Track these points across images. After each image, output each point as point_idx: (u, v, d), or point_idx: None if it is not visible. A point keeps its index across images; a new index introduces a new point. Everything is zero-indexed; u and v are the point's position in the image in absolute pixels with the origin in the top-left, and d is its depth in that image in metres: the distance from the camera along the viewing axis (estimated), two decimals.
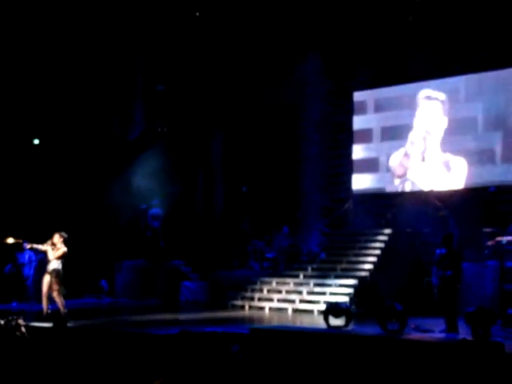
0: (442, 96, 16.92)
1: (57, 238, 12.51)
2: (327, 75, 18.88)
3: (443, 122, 16.86)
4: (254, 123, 20.00)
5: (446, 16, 16.48)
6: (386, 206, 18.00)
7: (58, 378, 7.40)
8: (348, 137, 18.66)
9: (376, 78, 18.11)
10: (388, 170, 17.72)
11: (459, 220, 15.81)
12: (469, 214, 15.83)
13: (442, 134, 16.86)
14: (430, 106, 17.10)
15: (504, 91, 15.96)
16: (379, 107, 17.94)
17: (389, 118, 17.79)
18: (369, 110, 18.19)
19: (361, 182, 18.22)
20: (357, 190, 18.27)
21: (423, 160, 17.07)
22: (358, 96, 18.47)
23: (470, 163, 16.35)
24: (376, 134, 18.01)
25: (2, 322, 9.05)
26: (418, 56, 16.87)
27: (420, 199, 17.02)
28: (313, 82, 19.09)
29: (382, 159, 17.83)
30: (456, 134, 16.54)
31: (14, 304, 16.47)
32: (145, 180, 18.77)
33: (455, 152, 16.54)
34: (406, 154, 17.40)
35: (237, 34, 18.83)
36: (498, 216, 15.27)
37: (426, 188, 17.09)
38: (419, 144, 17.18)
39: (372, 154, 18.06)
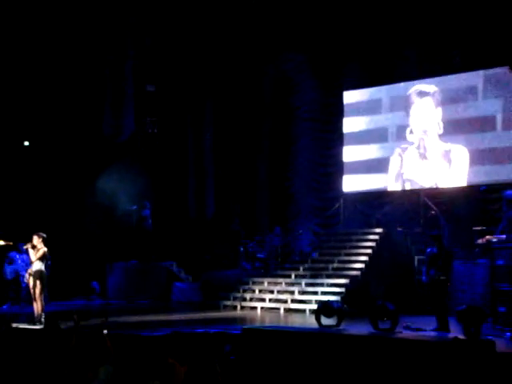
0: (433, 88, 16.85)
1: (36, 240, 12.43)
2: (317, 74, 18.88)
3: (438, 115, 16.77)
4: (245, 123, 20.01)
5: (436, 13, 16.54)
6: (376, 205, 17.99)
7: (48, 379, 7.37)
8: (339, 137, 18.62)
9: (367, 77, 18.09)
10: (387, 170, 17.54)
11: (450, 218, 15.86)
12: (459, 213, 15.88)
13: (437, 126, 16.78)
14: (423, 104, 17.02)
15: None
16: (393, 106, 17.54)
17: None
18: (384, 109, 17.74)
19: (357, 182, 18.01)
20: (350, 190, 18.12)
21: (423, 158, 16.95)
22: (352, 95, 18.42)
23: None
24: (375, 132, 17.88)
25: None
26: (410, 55, 16.92)
27: (411, 198, 17.04)
28: (302, 81, 19.08)
29: (381, 159, 17.67)
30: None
31: (5, 307, 16.41)
32: (135, 181, 18.72)
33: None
34: (402, 154, 17.32)
35: (225, 40, 18.87)
36: (489, 214, 15.32)
37: (426, 185, 16.88)
38: (417, 143, 17.10)
39: (372, 154, 17.87)
